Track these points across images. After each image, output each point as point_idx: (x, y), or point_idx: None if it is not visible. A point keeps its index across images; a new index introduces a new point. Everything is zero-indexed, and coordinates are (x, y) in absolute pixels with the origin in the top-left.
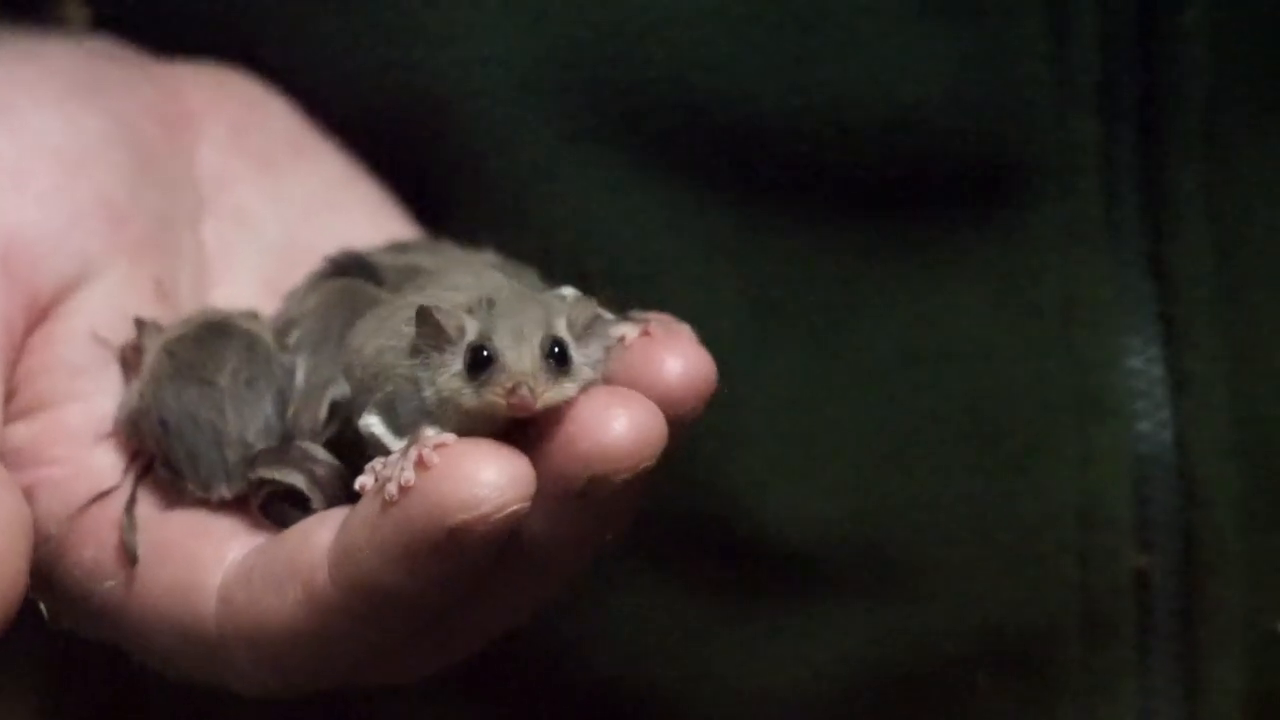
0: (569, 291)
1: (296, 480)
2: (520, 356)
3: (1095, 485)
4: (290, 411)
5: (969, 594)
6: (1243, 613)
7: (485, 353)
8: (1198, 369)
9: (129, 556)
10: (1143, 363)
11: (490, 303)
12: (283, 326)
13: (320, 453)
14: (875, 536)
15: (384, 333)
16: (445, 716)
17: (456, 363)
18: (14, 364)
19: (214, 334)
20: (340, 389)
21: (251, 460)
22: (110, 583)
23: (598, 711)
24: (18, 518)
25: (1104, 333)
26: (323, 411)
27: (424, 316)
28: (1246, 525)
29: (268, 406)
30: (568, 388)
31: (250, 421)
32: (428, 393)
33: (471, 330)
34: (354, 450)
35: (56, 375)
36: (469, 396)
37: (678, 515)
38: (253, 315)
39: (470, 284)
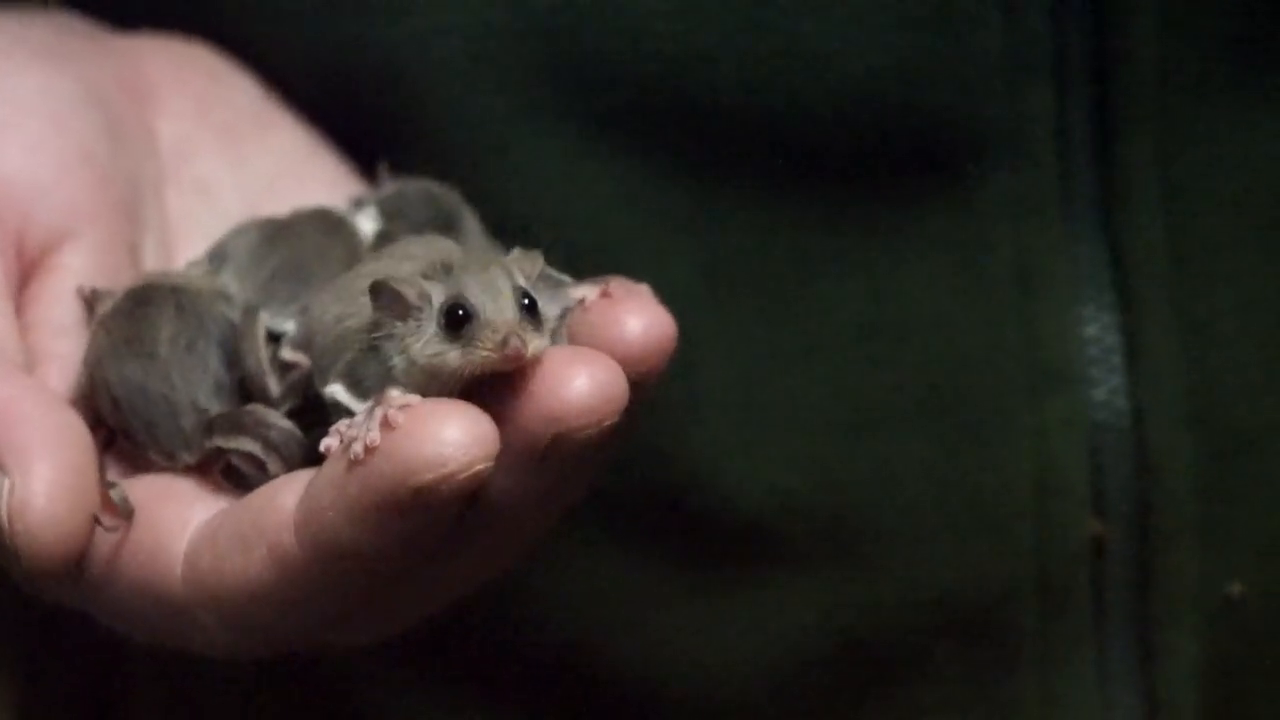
0: (515, 252)
1: (251, 447)
2: (500, 309)
3: (1051, 454)
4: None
5: (926, 563)
6: (1198, 579)
7: (462, 311)
8: (1152, 338)
9: (124, 510)
10: (1097, 331)
11: (447, 266)
12: (216, 253)
13: (274, 417)
14: (832, 507)
15: (342, 301)
16: (405, 687)
17: (429, 326)
18: (15, 303)
19: (141, 303)
20: (277, 322)
21: (209, 426)
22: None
23: (557, 682)
24: (84, 434)
25: (1059, 302)
26: (261, 341)
27: (379, 289)
28: (1201, 492)
29: (212, 363)
30: (545, 338)
31: (199, 385)
32: (396, 361)
33: (438, 294)
34: (318, 416)
35: (39, 333)
36: (454, 357)
37: (636, 487)
38: (186, 270)
39: (420, 252)
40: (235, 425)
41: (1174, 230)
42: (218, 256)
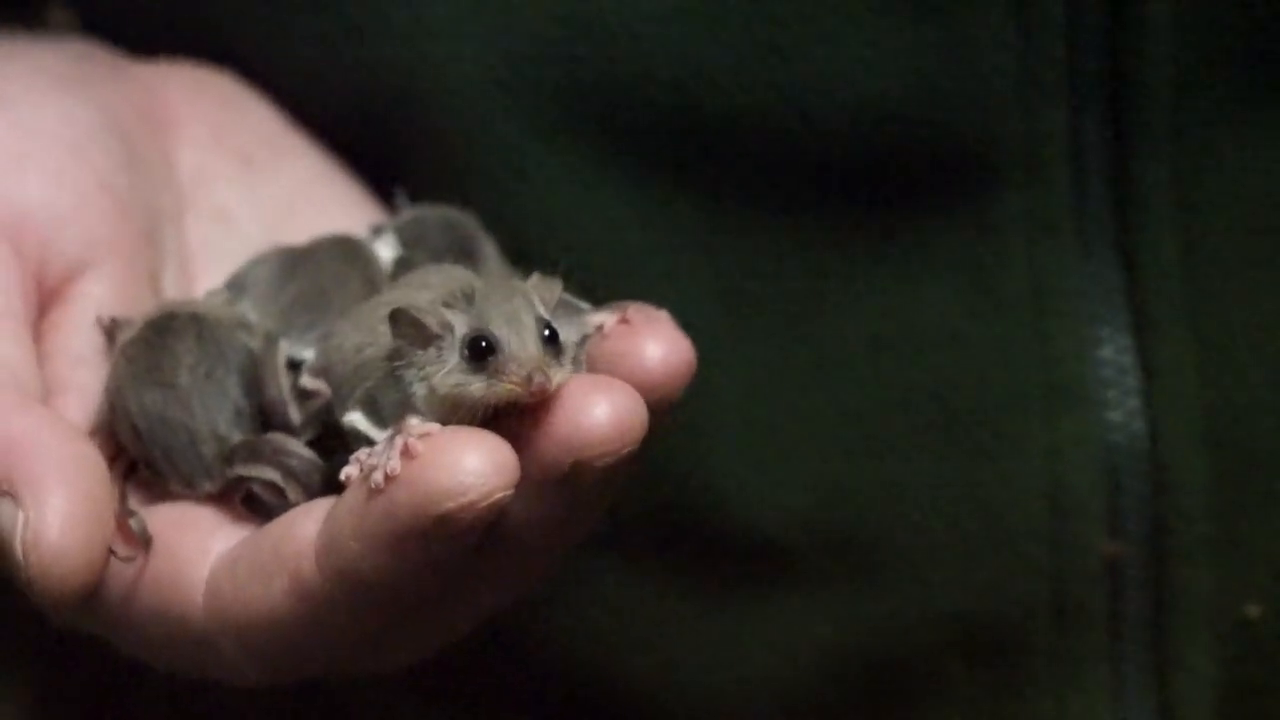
0: (534, 278)
1: (272, 475)
2: (524, 342)
3: (1065, 473)
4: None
5: (940, 582)
6: (1213, 599)
7: (485, 343)
8: (1167, 358)
9: (143, 539)
10: (1112, 352)
11: (469, 295)
12: (235, 282)
13: (294, 445)
14: (846, 525)
15: (361, 330)
16: (414, 709)
17: (451, 356)
18: (35, 331)
19: (161, 332)
20: (296, 350)
21: (229, 455)
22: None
23: (569, 702)
24: (99, 465)
25: (1073, 322)
26: (281, 369)
27: (399, 317)
28: (1217, 512)
29: (232, 391)
30: (567, 368)
31: (218, 414)
32: (416, 389)
33: (460, 323)
34: (337, 444)
35: (59, 362)
36: (478, 388)
37: (649, 507)
38: (205, 299)
39: (437, 281)
40: (255, 454)
41: (1189, 249)
42: (237, 285)
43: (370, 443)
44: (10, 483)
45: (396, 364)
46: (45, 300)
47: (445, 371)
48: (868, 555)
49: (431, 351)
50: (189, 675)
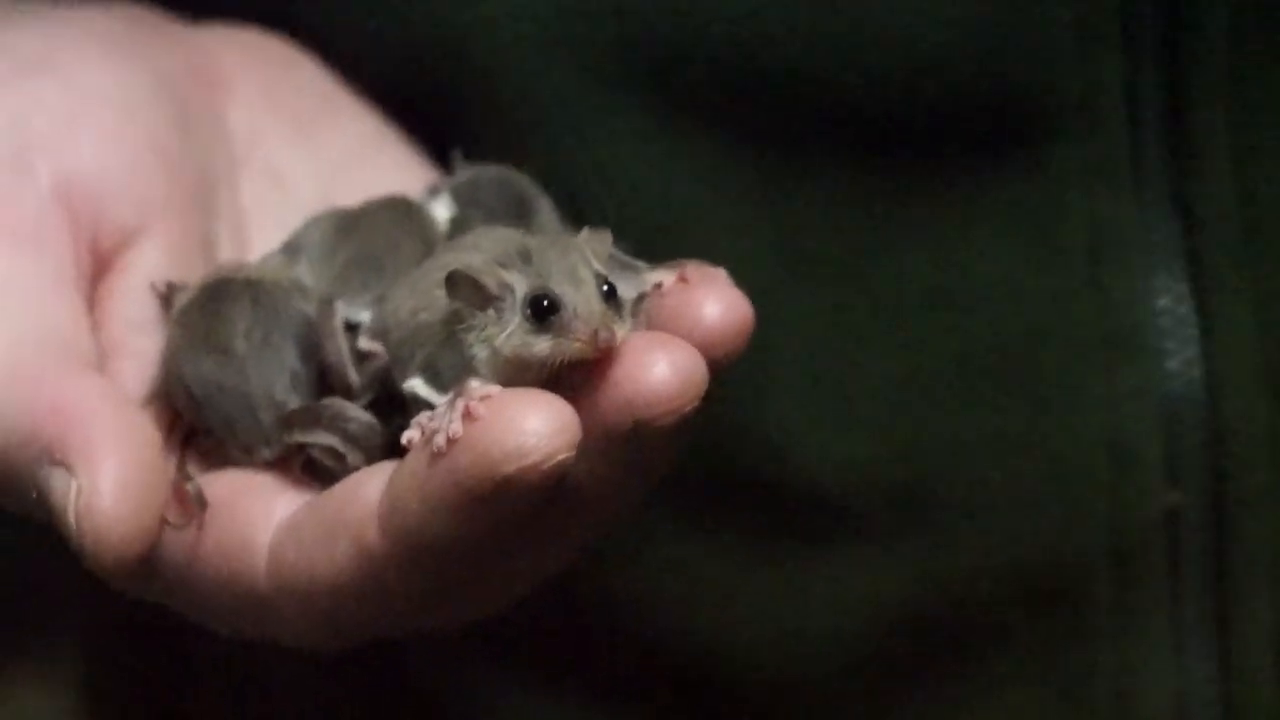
0: (584, 232)
1: (331, 440)
2: (586, 299)
3: (1124, 424)
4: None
5: (999, 534)
6: (1273, 547)
7: (547, 301)
8: (1225, 307)
9: (199, 503)
10: (1170, 301)
11: (526, 254)
12: (291, 245)
13: (352, 410)
14: (905, 478)
15: (416, 295)
16: (474, 668)
17: (513, 317)
18: (90, 298)
19: (216, 297)
20: (347, 310)
21: (287, 421)
22: (180, 529)
23: (629, 656)
24: (151, 433)
25: (1130, 271)
26: (339, 331)
27: (456, 279)
28: (1275, 461)
29: (289, 357)
30: (628, 323)
31: (275, 379)
32: (477, 352)
33: (519, 283)
34: (396, 409)
35: (114, 329)
36: (545, 347)
37: (707, 460)
38: (261, 263)
39: (489, 244)
40: (313, 419)
41: (1245, 198)
42: (292, 248)
43: (431, 407)
44: (63, 451)
45: (456, 327)
46: (99, 266)
47: (508, 333)
48: (927, 507)
49: (491, 313)
50: (252, 639)
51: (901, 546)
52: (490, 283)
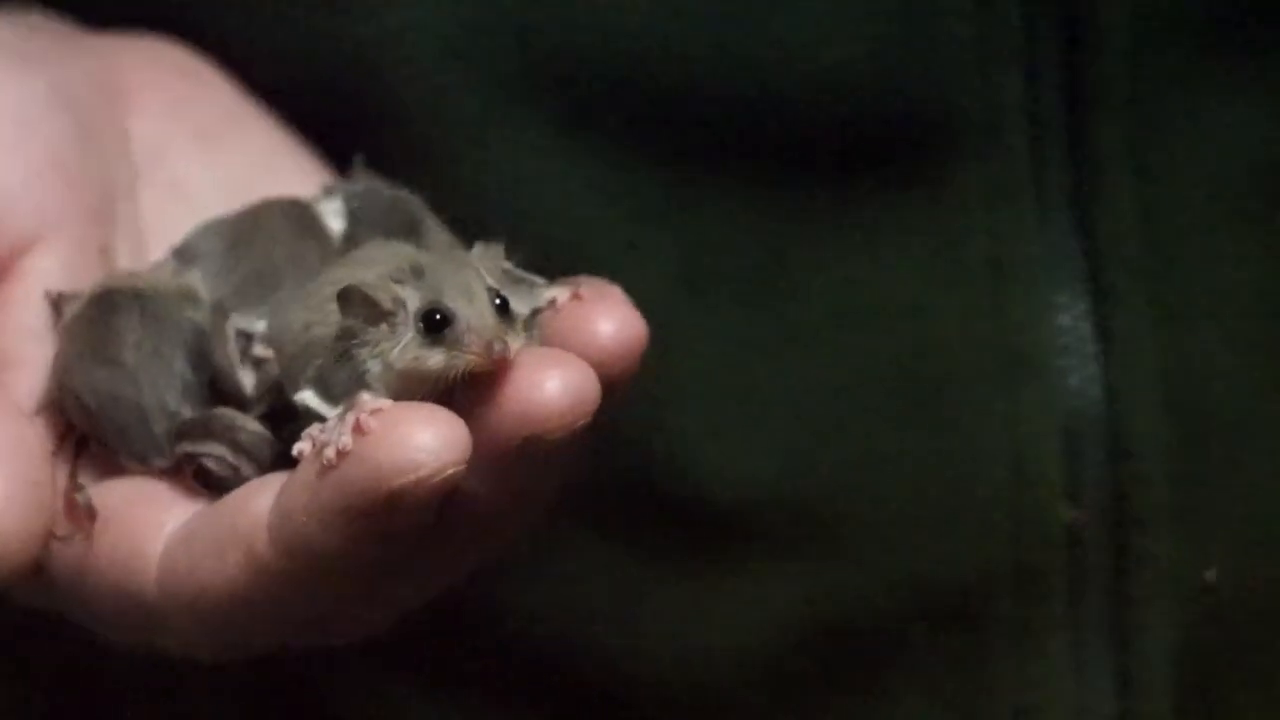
0: (477, 248)
1: (222, 451)
2: (480, 313)
3: (1025, 441)
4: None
5: (901, 550)
6: (1173, 564)
7: (440, 315)
8: (1126, 325)
9: (88, 514)
10: (1071, 320)
11: (418, 269)
12: (183, 252)
13: (243, 420)
14: (808, 495)
15: (309, 309)
16: (380, 684)
17: (406, 331)
18: None
19: (105, 308)
20: (248, 322)
21: (179, 430)
22: (67, 540)
23: (533, 673)
24: (39, 445)
25: (1032, 290)
26: (230, 339)
27: (349, 296)
28: (1176, 479)
29: (179, 366)
30: (521, 337)
31: (166, 390)
32: (370, 366)
33: (412, 298)
34: (289, 419)
35: (9, 337)
36: (438, 361)
37: (611, 476)
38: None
39: (382, 257)
40: (204, 430)
41: (1147, 216)
42: (185, 255)
43: (322, 419)
44: None
45: (350, 342)
46: None
47: (401, 347)
48: (830, 524)
49: (384, 328)
50: (143, 649)
51: (804, 563)
52: (384, 298)
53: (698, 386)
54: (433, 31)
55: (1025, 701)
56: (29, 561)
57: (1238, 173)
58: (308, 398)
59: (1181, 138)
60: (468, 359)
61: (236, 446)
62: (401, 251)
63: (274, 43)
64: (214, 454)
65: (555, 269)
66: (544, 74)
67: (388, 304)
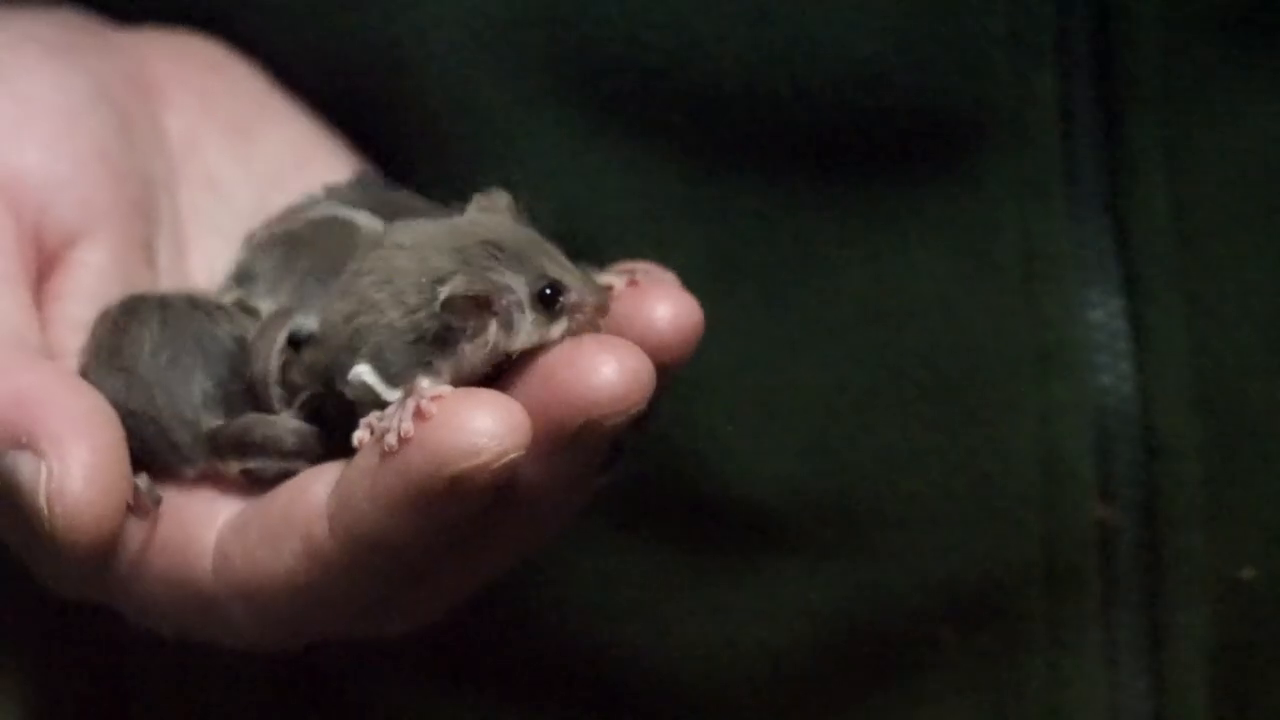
0: (474, 200)
1: (268, 465)
2: (573, 273)
3: (1057, 438)
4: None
5: (932, 548)
6: (1206, 562)
7: (551, 290)
8: (1158, 321)
9: (152, 499)
10: (1103, 315)
11: (496, 248)
12: (242, 274)
13: (282, 425)
14: (838, 492)
15: (349, 300)
16: (407, 682)
17: (522, 314)
18: (35, 298)
19: (127, 316)
20: (304, 321)
21: (214, 444)
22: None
23: (562, 671)
24: (114, 418)
25: (1064, 286)
26: (279, 342)
27: (454, 305)
28: (1209, 476)
29: (198, 376)
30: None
31: (184, 400)
32: (472, 354)
33: (516, 281)
34: (338, 411)
35: (57, 329)
36: (559, 331)
37: (641, 474)
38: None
39: (416, 239)
40: (244, 442)
41: (1179, 212)
42: (245, 276)
43: (376, 398)
44: (30, 436)
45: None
46: (43, 267)
47: (526, 331)
48: (859, 522)
49: (497, 318)
50: (197, 640)
51: (833, 561)
52: (494, 296)
53: (727, 383)
54: (462, 26)
55: (1058, 700)
56: (113, 533)
57: (1272, 169)
58: (364, 372)
59: (1215, 133)
60: (583, 321)
61: (285, 454)
62: (440, 231)
63: (303, 38)
64: (267, 469)
65: (583, 264)
66: (573, 69)
67: (498, 300)
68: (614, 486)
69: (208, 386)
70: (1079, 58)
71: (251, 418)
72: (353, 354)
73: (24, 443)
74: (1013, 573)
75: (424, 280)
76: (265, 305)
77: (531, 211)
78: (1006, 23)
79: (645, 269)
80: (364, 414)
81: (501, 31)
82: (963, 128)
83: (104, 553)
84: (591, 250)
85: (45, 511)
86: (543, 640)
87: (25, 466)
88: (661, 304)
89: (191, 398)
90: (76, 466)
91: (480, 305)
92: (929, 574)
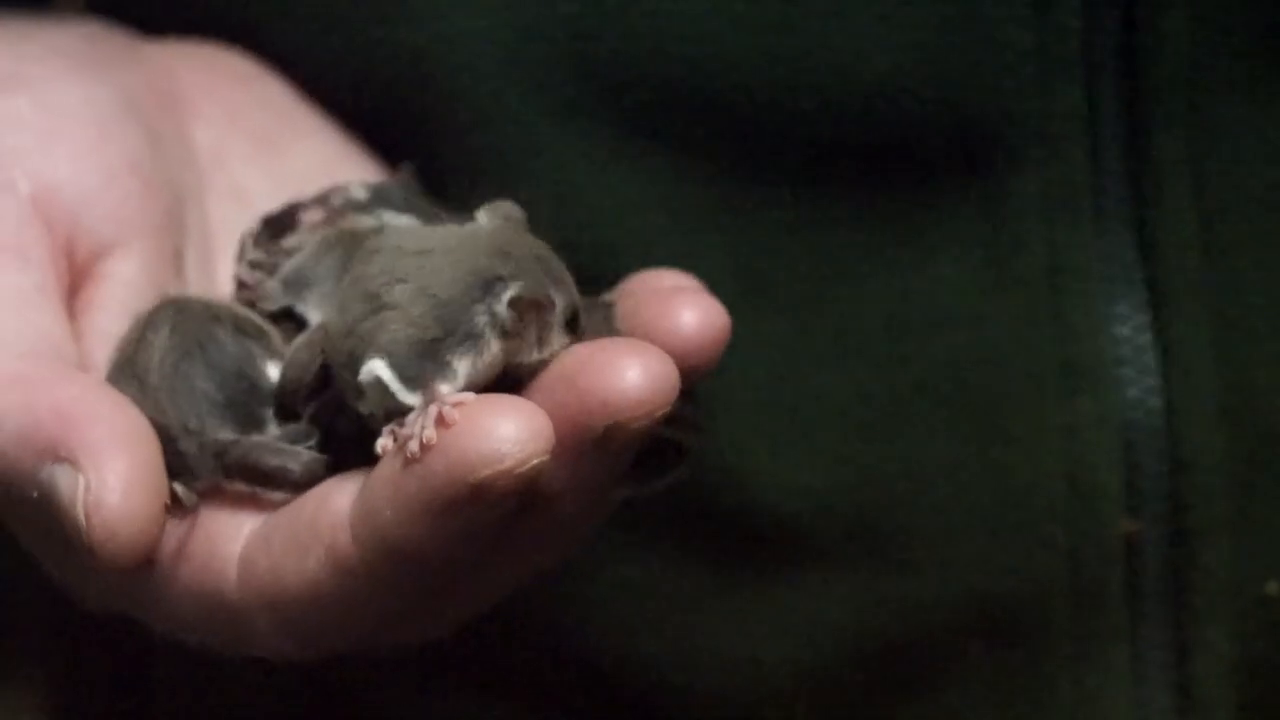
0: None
1: (281, 495)
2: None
3: (1083, 452)
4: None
5: (957, 562)
6: (1232, 577)
7: (575, 315)
8: (1185, 335)
9: (188, 505)
10: (1130, 330)
11: (543, 260)
12: (293, 279)
13: (291, 455)
14: (863, 505)
15: (362, 298)
16: (429, 694)
17: (557, 332)
18: (68, 302)
19: (146, 319)
20: None
21: (219, 455)
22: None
23: (584, 683)
24: (151, 433)
25: (1090, 300)
26: (311, 359)
27: (518, 305)
28: (1235, 490)
29: (201, 383)
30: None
31: (189, 409)
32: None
33: (559, 298)
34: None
35: (90, 341)
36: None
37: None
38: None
39: (415, 244)
40: (254, 471)
41: (1205, 225)
42: (295, 283)
43: (392, 398)
44: (68, 449)
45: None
46: (75, 279)
47: (551, 348)
48: (885, 535)
49: (534, 327)
50: (221, 650)
51: (859, 574)
52: (548, 306)
53: (751, 395)
54: (487, 37)
55: (1084, 715)
56: (151, 545)
57: None
58: (378, 368)
59: (1241, 147)
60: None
61: (295, 486)
62: (471, 236)
63: (329, 50)
64: (275, 497)
65: (608, 276)
66: (599, 82)
67: (551, 310)
68: (657, 495)
69: (209, 390)
70: (1105, 71)
71: (261, 442)
72: (367, 348)
73: (62, 455)
74: (1038, 587)
75: (471, 279)
76: (315, 315)
77: (538, 224)
78: (1032, 35)
79: (671, 274)
80: (376, 426)
81: (528, 44)
82: (988, 140)
83: (139, 565)
84: (617, 260)
85: (83, 524)
86: (566, 652)
87: (63, 479)
88: (688, 310)
89: (196, 406)
90: (114, 479)
91: (539, 310)
92: (954, 588)
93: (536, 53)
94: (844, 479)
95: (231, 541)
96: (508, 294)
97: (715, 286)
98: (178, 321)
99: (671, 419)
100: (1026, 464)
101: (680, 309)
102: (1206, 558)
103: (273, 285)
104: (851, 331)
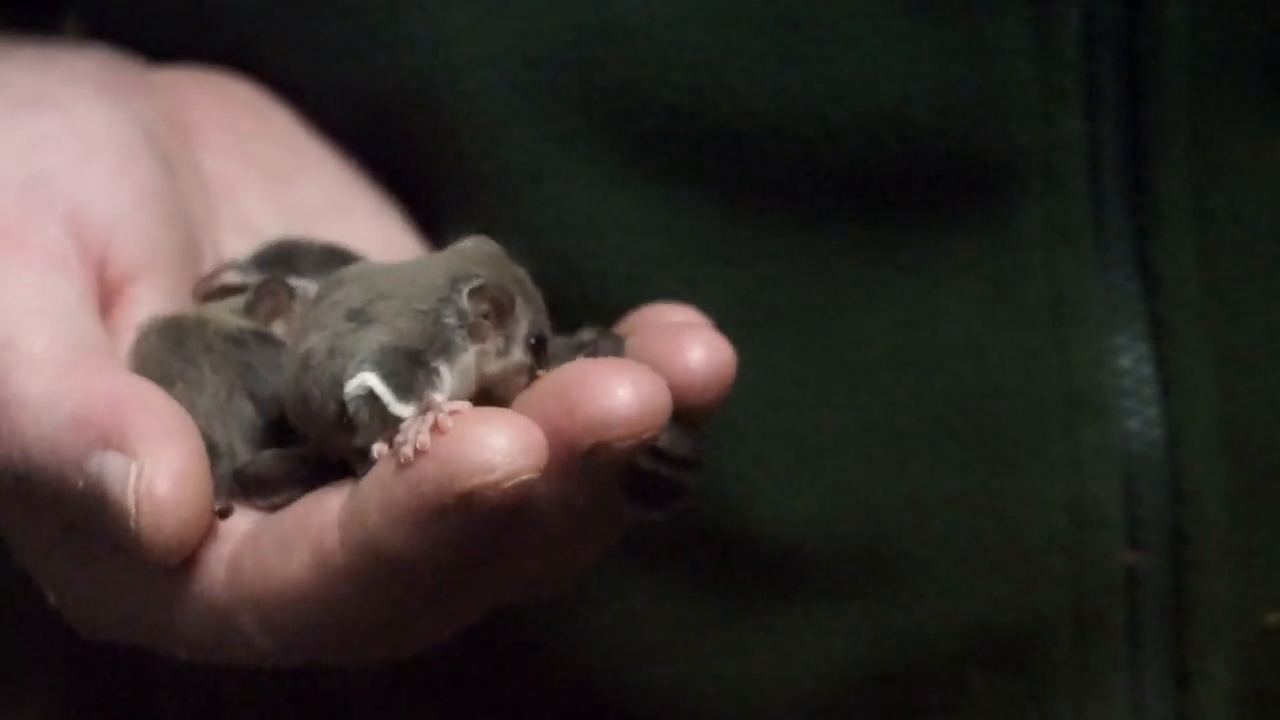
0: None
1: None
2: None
3: (1085, 483)
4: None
5: (960, 592)
6: (1233, 608)
7: (538, 340)
8: (1186, 367)
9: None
10: (1131, 361)
11: (518, 279)
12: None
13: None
14: (866, 536)
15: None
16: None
17: (516, 348)
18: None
19: (146, 336)
20: None
21: (237, 476)
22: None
23: (587, 711)
24: (195, 427)
25: (1092, 331)
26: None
27: (482, 293)
28: (1236, 521)
29: (249, 411)
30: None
31: (235, 433)
32: (463, 361)
33: (524, 313)
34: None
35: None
36: (525, 381)
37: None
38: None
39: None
40: (268, 481)
41: (1206, 257)
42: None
43: (384, 410)
44: (121, 436)
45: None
46: (105, 299)
47: (513, 362)
48: (887, 566)
49: (494, 333)
50: (209, 658)
51: (860, 604)
52: (509, 308)
53: (754, 424)
54: (494, 66)
55: None
56: (199, 535)
57: None
58: (369, 379)
59: (1242, 179)
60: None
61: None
62: (457, 253)
63: (335, 77)
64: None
65: (611, 305)
66: (604, 110)
67: (511, 314)
68: (656, 523)
69: (254, 416)
70: (1106, 102)
71: (272, 453)
72: (352, 363)
73: (115, 443)
74: (1040, 617)
75: (443, 281)
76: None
77: (540, 251)
78: (1034, 67)
79: (679, 309)
80: (364, 441)
81: (533, 71)
82: (990, 171)
83: (182, 557)
84: (620, 289)
85: (132, 511)
86: (568, 680)
87: (115, 466)
88: (696, 347)
89: (244, 430)
90: (166, 466)
91: (500, 308)
92: (956, 618)
93: (540, 81)
94: (846, 509)
95: (223, 542)
96: (468, 287)
97: (717, 315)
98: (175, 331)
99: (676, 458)
100: (1028, 494)
101: (690, 346)
102: (1207, 588)
103: None
104: (853, 362)
